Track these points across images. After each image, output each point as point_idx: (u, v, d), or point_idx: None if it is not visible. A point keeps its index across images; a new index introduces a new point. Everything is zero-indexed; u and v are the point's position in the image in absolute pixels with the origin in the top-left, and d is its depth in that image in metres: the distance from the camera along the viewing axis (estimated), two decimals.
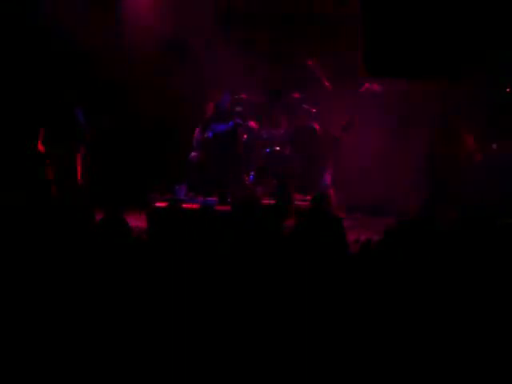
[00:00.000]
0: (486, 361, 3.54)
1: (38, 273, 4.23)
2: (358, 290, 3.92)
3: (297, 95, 9.70)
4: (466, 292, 3.85)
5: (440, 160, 7.95)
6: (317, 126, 9.22)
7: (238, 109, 9.47)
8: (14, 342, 3.84)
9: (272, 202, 8.65)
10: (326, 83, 9.18)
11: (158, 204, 8.65)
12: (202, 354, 3.71)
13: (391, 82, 7.89)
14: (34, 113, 8.79)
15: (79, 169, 8.49)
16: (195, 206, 8.84)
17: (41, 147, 8.50)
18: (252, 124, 9.55)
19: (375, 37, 6.80)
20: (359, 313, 3.78)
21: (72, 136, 8.41)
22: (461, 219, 4.44)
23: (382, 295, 3.85)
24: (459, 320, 3.71)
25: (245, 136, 9.58)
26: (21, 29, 9.57)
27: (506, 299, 3.82)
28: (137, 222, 6.05)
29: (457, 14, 6.44)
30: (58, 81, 8.92)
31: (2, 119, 9.54)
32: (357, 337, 3.69)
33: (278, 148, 9.89)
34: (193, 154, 9.58)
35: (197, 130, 9.65)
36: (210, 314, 3.87)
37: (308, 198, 9.47)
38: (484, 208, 6.08)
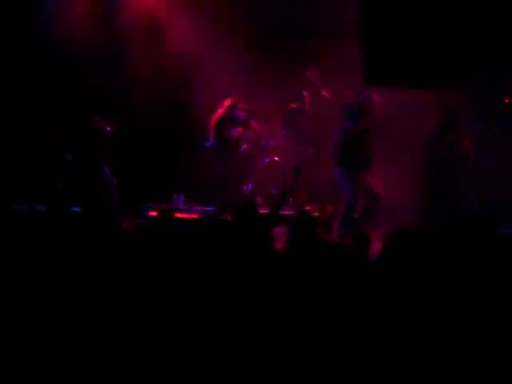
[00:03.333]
0: (486, 363, 3.52)
1: (39, 277, 4.21)
2: (361, 296, 3.89)
3: (294, 105, 9.69)
4: (467, 297, 3.83)
5: (437, 161, 7.94)
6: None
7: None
8: (15, 343, 3.83)
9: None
10: (325, 93, 9.16)
11: (152, 213, 8.61)
12: (199, 359, 3.68)
13: (391, 92, 7.88)
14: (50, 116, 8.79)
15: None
16: (192, 215, 8.83)
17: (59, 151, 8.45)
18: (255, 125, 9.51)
19: (375, 46, 6.76)
20: (362, 317, 3.75)
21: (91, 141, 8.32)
22: (460, 223, 4.41)
23: (385, 300, 3.82)
24: (459, 324, 3.69)
25: (245, 146, 9.55)
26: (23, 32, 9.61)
27: (505, 304, 3.80)
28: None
29: (458, 22, 6.42)
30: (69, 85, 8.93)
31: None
32: (358, 341, 3.66)
33: (276, 158, 9.87)
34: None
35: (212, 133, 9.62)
36: (208, 319, 3.85)
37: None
38: (483, 212, 6.06)
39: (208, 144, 9.82)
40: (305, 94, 8.88)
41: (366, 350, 3.64)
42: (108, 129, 8.29)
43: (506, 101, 8.99)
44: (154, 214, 8.34)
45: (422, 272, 3.96)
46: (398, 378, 3.59)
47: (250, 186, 9.60)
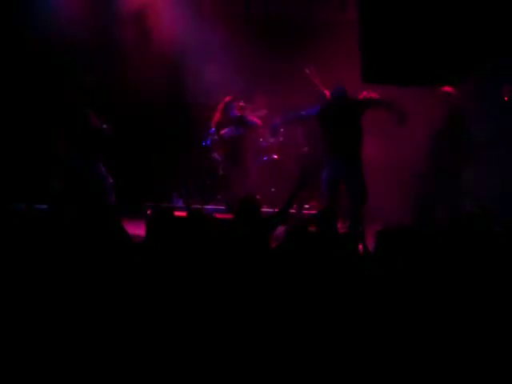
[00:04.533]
0: (484, 361, 3.52)
1: (38, 277, 4.21)
2: (354, 294, 3.89)
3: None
4: (459, 296, 3.83)
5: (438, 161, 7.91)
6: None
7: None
8: (15, 344, 3.83)
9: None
10: (324, 91, 9.14)
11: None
12: (200, 359, 3.68)
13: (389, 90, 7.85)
14: (48, 117, 8.78)
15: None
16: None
17: (57, 151, 8.44)
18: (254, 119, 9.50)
19: (374, 44, 6.77)
20: (355, 317, 3.75)
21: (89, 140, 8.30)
22: (452, 222, 4.41)
23: (379, 298, 3.82)
24: (451, 322, 3.69)
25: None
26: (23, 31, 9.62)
27: (498, 301, 3.80)
28: (134, 229, 6.00)
29: (457, 21, 6.43)
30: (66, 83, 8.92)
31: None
32: (355, 340, 3.66)
33: (275, 156, 9.87)
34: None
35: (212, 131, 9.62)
36: (208, 319, 3.84)
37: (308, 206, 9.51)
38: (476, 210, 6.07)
39: (208, 142, 9.85)
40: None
41: (362, 347, 3.64)
42: (104, 127, 8.29)
43: (505, 99, 8.97)
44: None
45: (413, 271, 3.96)
46: (392, 377, 3.59)
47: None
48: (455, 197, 7.77)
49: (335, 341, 3.69)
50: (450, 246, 4.29)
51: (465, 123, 7.89)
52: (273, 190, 9.73)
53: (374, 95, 8.18)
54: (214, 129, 9.50)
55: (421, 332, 3.66)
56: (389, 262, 4.08)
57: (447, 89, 7.82)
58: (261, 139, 9.87)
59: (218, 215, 8.44)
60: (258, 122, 9.48)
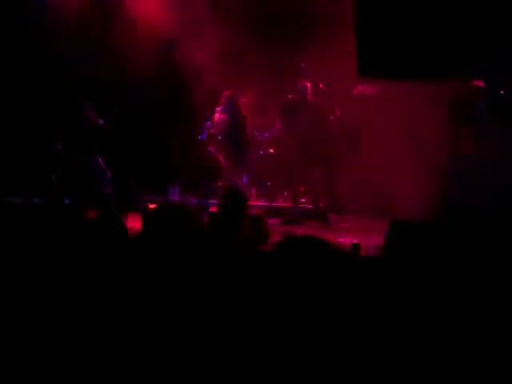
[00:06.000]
0: (486, 362, 3.52)
1: (33, 273, 4.20)
2: (356, 293, 3.88)
3: (290, 96, 9.70)
4: (467, 295, 3.82)
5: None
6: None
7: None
8: (12, 341, 3.83)
9: None
10: (320, 85, 9.16)
11: (150, 205, 8.63)
12: (198, 357, 3.68)
13: (387, 84, 7.86)
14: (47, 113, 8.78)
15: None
16: None
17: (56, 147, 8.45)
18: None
19: (370, 37, 6.76)
20: (358, 317, 3.74)
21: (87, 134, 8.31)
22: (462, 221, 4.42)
23: (381, 299, 3.81)
24: (459, 323, 3.68)
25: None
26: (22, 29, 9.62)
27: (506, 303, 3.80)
28: (130, 222, 6.00)
29: (454, 13, 6.43)
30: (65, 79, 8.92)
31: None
32: (356, 341, 3.65)
33: (271, 150, 9.88)
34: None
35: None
36: (206, 316, 3.84)
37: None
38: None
39: (203, 136, 9.85)
40: (308, 85, 8.86)
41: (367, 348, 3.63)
42: (101, 121, 8.30)
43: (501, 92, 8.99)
44: (151, 206, 8.37)
45: (421, 266, 3.95)
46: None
47: (244, 179, 9.62)
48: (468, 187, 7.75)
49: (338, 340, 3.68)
50: (459, 242, 4.29)
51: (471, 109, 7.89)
52: (269, 183, 9.75)
53: (368, 89, 8.20)
54: (209, 122, 9.51)
55: (430, 331, 3.65)
56: (398, 253, 4.06)
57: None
58: (256, 133, 9.87)
59: (214, 209, 8.47)
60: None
